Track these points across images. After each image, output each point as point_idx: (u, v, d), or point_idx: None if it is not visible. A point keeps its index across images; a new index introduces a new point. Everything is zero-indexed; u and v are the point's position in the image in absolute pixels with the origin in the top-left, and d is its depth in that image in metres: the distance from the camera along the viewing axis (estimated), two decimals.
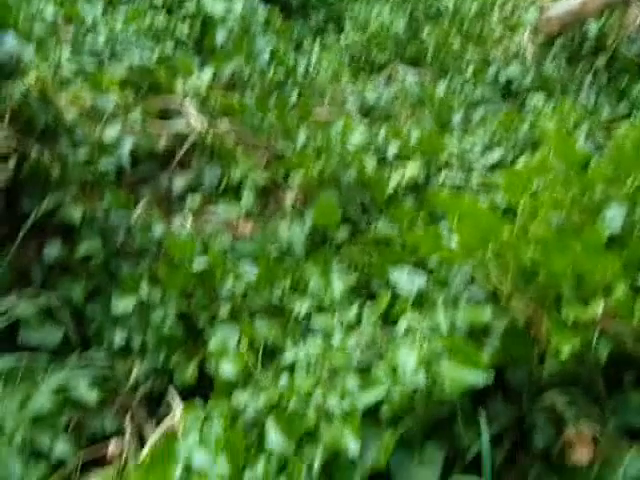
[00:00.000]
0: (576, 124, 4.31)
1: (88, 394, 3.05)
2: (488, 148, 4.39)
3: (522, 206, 2.69)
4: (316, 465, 2.43)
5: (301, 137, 4.21)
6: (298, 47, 5.81)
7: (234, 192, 4.16)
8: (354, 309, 3.00)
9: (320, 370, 2.71)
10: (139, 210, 3.91)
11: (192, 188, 4.26)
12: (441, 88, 5.27)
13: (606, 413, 2.73)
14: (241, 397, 2.79)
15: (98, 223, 3.71)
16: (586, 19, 5.45)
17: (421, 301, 2.96)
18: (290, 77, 4.84)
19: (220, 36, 5.03)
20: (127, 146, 4.05)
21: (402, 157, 4.22)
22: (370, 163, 4.00)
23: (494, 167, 4.20)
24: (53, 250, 3.58)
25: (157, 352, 3.31)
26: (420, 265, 3.39)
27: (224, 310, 3.30)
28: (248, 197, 4.01)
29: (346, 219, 3.82)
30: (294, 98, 4.75)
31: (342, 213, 3.77)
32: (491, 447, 2.70)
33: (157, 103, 4.59)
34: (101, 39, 4.88)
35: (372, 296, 3.25)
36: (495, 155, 4.26)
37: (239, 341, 3.04)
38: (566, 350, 2.36)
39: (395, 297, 3.04)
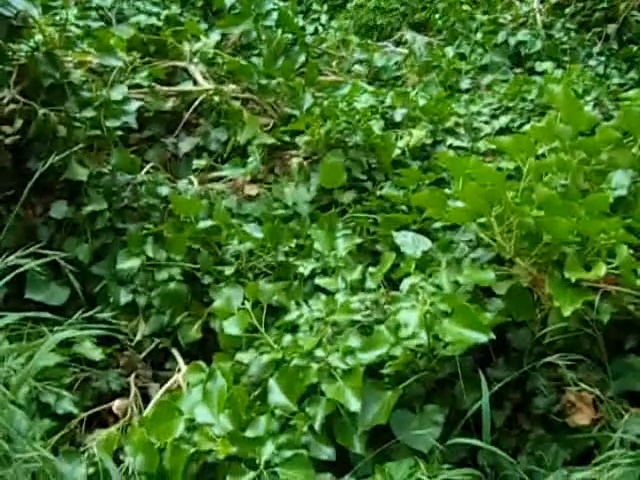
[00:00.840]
0: (585, 91, 4.28)
1: (93, 352, 3.08)
2: (496, 113, 4.37)
3: (527, 168, 2.67)
4: (318, 421, 2.46)
5: (308, 100, 4.19)
6: (307, 11, 5.75)
7: (240, 154, 4.16)
8: (358, 270, 3.01)
9: (323, 329, 2.73)
10: (145, 171, 3.92)
11: (198, 150, 4.26)
12: (449, 53, 5.22)
13: (607, 377, 2.75)
14: (245, 356, 2.82)
15: (104, 183, 3.73)
16: None
17: (425, 263, 2.97)
18: (298, 40, 4.80)
19: None
20: (134, 107, 4.04)
21: (409, 121, 4.19)
22: (377, 127, 3.98)
23: (502, 132, 4.18)
24: (60, 209, 3.61)
25: (162, 311, 3.34)
26: (425, 228, 3.40)
27: (229, 270, 3.32)
28: (254, 159, 4.01)
29: (352, 182, 3.81)
30: (302, 61, 4.71)
31: (348, 176, 3.77)
32: (492, 410, 2.73)
33: (164, 65, 4.57)
34: (108, 0, 4.85)
35: (377, 258, 3.27)
36: (503, 120, 4.24)
37: (243, 301, 3.05)
38: (568, 310, 2.36)
39: (399, 259, 3.05)
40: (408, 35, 5.58)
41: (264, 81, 4.38)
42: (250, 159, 4.03)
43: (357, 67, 4.96)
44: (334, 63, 5.02)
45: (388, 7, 5.99)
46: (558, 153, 2.90)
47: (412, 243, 3.13)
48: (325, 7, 5.97)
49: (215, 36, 4.73)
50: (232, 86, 4.47)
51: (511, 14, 5.60)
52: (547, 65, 5.06)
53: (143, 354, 3.33)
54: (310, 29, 5.11)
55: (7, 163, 3.73)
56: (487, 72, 5.13)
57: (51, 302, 3.34)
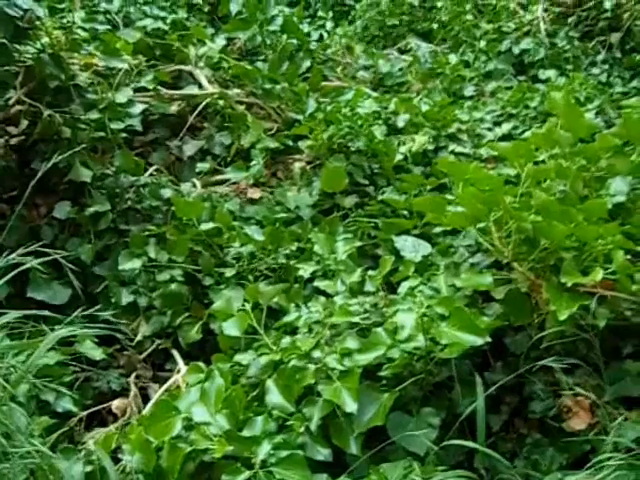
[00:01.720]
0: (588, 99, 4.30)
1: (94, 351, 3.10)
2: (498, 120, 4.39)
3: (525, 173, 2.69)
4: (314, 422, 2.47)
5: (311, 105, 4.22)
6: (313, 17, 5.79)
7: (244, 158, 4.19)
8: (357, 273, 3.03)
9: (321, 331, 2.75)
10: (148, 174, 3.95)
11: (202, 153, 4.29)
12: (453, 60, 5.25)
13: (604, 382, 2.75)
14: (244, 357, 2.83)
15: (108, 184, 3.76)
16: None
17: (424, 267, 2.99)
18: (303, 46, 4.84)
19: (234, 4, 5.03)
20: (138, 110, 4.08)
21: (412, 127, 4.22)
22: (379, 132, 4.00)
23: (504, 139, 4.19)
24: (63, 210, 3.65)
25: (163, 312, 3.36)
26: (426, 233, 3.42)
27: (230, 272, 3.34)
28: (257, 163, 4.04)
29: (354, 187, 3.83)
30: (306, 67, 4.75)
31: (350, 181, 3.79)
32: (489, 414, 2.74)
33: (170, 68, 4.60)
34: (115, 4, 4.89)
35: (378, 262, 3.28)
36: (505, 127, 4.26)
37: (243, 302, 3.07)
38: (564, 314, 2.37)
39: (399, 263, 3.07)
40: (413, 43, 5.61)
41: (268, 86, 4.42)
42: (253, 163, 4.06)
43: (361, 73, 4.99)
44: (339, 69, 5.05)
45: (393, 15, 6.02)
46: (558, 159, 2.92)
47: (412, 247, 3.15)
48: (331, 14, 6.01)
49: (221, 41, 4.77)
50: (237, 90, 4.51)
51: (515, 23, 5.63)
52: (550, 73, 5.08)
53: (143, 354, 3.36)
54: (315, 35, 5.14)
55: (12, 163, 3.76)
56: (491, 79, 5.15)
57: (53, 302, 3.36)
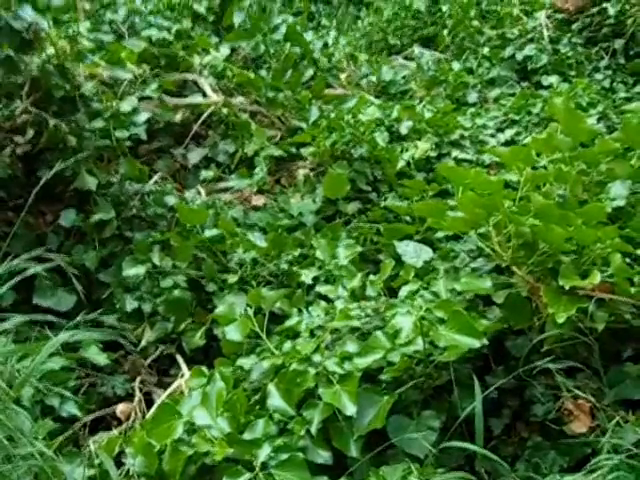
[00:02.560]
0: (590, 104, 4.31)
1: (98, 357, 3.14)
2: (501, 126, 4.41)
3: (524, 178, 2.71)
4: (314, 425, 2.49)
5: (314, 113, 4.26)
6: (317, 26, 5.84)
7: (248, 165, 4.22)
8: (358, 278, 3.05)
9: (322, 335, 2.77)
10: (153, 181, 3.99)
11: (207, 161, 4.33)
12: (457, 67, 5.28)
13: (604, 385, 2.76)
14: (246, 361, 2.86)
15: (113, 192, 3.80)
16: (602, 2, 5.43)
17: (425, 272, 3.00)
18: (306, 55, 4.88)
19: (238, 14, 5.09)
20: (143, 118, 4.12)
21: (415, 134, 4.24)
22: (382, 139, 4.03)
23: (507, 145, 4.21)
24: (69, 217, 3.69)
25: (167, 318, 3.39)
26: (428, 238, 3.44)
27: (233, 278, 3.37)
28: (261, 170, 4.07)
29: (357, 193, 3.86)
30: (309, 75, 4.79)
31: (353, 187, 3.82)
32: (490, 417, 2.75)
33: (174, 77, 4.65)
34: (121, 14, 4.95)
35: (379, 267, 3.30)
36: (508, 133, 4.27)
37: (246, 308, 3.10)
38: (562, 317, 2.39)
39: (400, 267, 3.09)
40: (416, 50, 5.65)
41: (272, 94, 4.46)
42: (257, 170, 4.10)
43: (365, 81, 5.03)
44: (342, 77, 5.09)
45: (397, 22, 6.06)
46: (558, 164, 2.94)
47: (413, 253, 3.17)
48: (334, 22, 6.07)
49: (225, 50, 4.81)
50: (241, 99, 4.55)
51: (518, 29, 5.66)
52: (553, 79, 5.11)
53: (148, 360, 3.39)
54: (319, 44, 5.18)
55: (18, 172, 3.81)
56: (494, 86, 5.18)
57: (58, 308, 3.40)
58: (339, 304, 2.92)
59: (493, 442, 2.73)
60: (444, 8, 6.25)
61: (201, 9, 5.13)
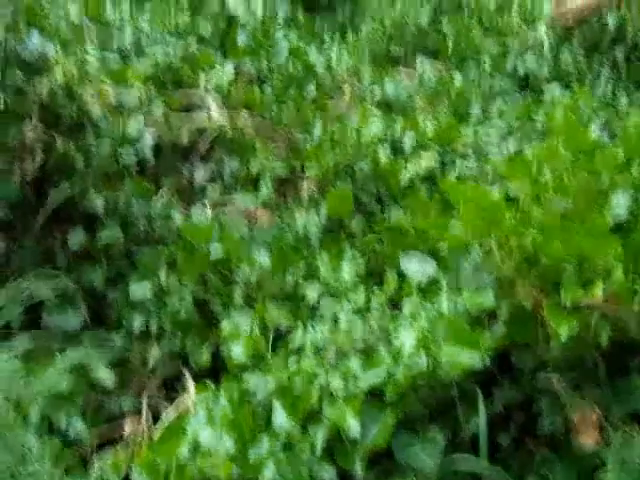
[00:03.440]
0: (592, 114, 4.31)
1: (105, 375, 3.16)
2: (505, 138, 4.41)
3: (525, 192, 2.72)
4: (319, 444, 2.50)
5: (317, 129, 4.29)
6: (320, 42, 5.88)
7: (253, 183, 4.25)
8: (362, 293, 3.06)
9: (326, 353, 2.78)
10: (160, 200, 4.02)
11: (212, 179, 4.36)
12: (460, 80, 5.30)
13: (612, 398, 2.75)
14: (251, 379, 2.87)
15: (120, 212, 3.84)
16: (603, 11, 5.44)
17: (428, 285, 3.01)
18: (310, 72, 4.93)
19: (242, 34, 5.15)
20: (149, 139, 4.17)
21: (418, 148, 4.25)
22: (385, 154, 4.05)
23: (510, 157, 4.20)
24: (77, 237, 3.72)
25: (174, 336, 3.41)
26: (432, 253, 3.44)
27: (238, 295, 3.39)
28: (266, 187, 4.10)
29: (361, 209, 3.88)
30: (312, 92, 4.82)
31: (357, 203, 3.84)
32: (498, 431, 2.75)
33: (180, 97, 4.70)
34: (127, 36, 5.01)
35: (383, 283, 3.31)
36: (511, 146, 4.27)
37: (252, 325, 3.12)
38: (564, 332, 2.39)
39: (403, 283, 3.10)
40: (418, 62, 5.67)
41: (276, 110, 4.49)
42: (262, 187, 4.12)
43: (368, 95, 5.05)
44: (346, 90, 5.12)
45: (401, 35, 6.09)
46: (559, 175, 2.94)
47: (417, 266, 3.18)
48: (337, 36, 6.11)
49: (229, 67, 4.85)
50: (245, 115, 4.58)
51: (520, 39, 5.68)
52: (555, 89, 5.11)
53: (155, 377, 3.41)
54: (322, 59, 5.22)
55: (28, 192, 3.87)
56: (496, 97, 5.19)
57: (67, 327, 3.43)
58: (343, 319, 2.94)
59: (501, 455, 2.73)
60: (446, 19, 6.29)
61: (206, 31, 5.20)
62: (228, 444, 2.52)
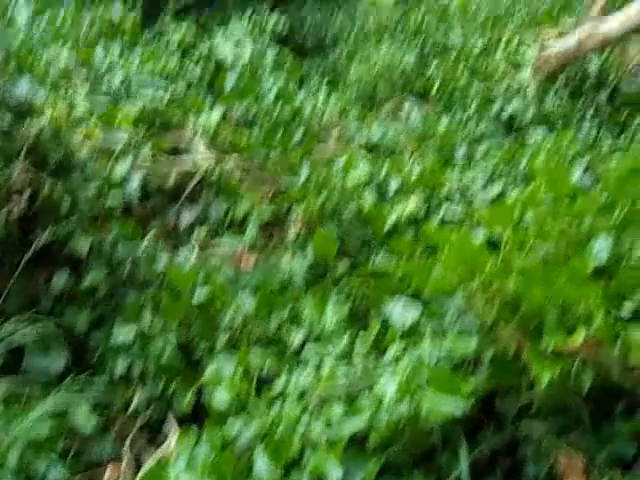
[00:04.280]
0: (575, 157, 4.37)
1: (86, 420, 3.12)
2: (489, 182, 4.46)
3: (506, 238, 2.74)
4: None
5: (304, 173, 4.33)
6: (308, 85, 5.97)
7: (239, 226, 4.27)
8: (345, 339, 3.06)
9: (309, 399, 2.76)
10: (146, 242, 4.03)
11: (199, 222, 4.38)
12: (445, 123, 5.37)
13: (596, 444, 2.74)
14: (233, 425, 2.84)
15: (105, 254, 3.83)
16: (586, 56, 5.56)
17: (412, 331, 3.01)
18: (296, 115, 4.99)
19: (230, 78, 5.22)
20: (136, 181, 4.20)
21: (403, 192, 4.29)
22: (370, 198, 4.09)
23: (494, 201, 4.25)
24: (61, 279, 3.70)
25: (157, 380, 3.38)
26: (416, 297, 3.44)
27: (222, 340, 3.38)
28: (252, 231, 4.12)
29: (346, 252, 3.89)
30: (299, 135, 4.88)
31: (342, 247, 3.86)
32: (483, 477, 2.73)
33: (167, 140, 4.74)
34: (117, 79, 5.07)
35: (367, 327, 3.31)
36: (495, 189, 4.32)
37: (235, 370, 3.10)
38: (545, 378, 2.39)
39: (387, 327, 3.09)
40: (406, 105, 5.76)
41: (264, 153, 4.54)
42: (248, 230, 4.14)
43: (355, 137, 5.11)
44: (333, 133, 5.18)
45: (388, 79, 6.18)
46: (540, 221, 2.97)
47: (401, 312, 3.18)
48: (326, 79, 6.21)
49: (218, 111, 4.91)
50: (233, 158, 4.62)
51: (506, 83, 5.78)
52: (540, 132, 5.20)
53: (138, 420, 3.37)
54: (310, 102, 5.29)
55: (14, 232, 3.86)
56: (482, 140, 5.26)
57: (49, 370, 3.39)
58: (327, 364, 2.93)
59: None
60: (434, 62, 6.41)
61: (195, 75, 5.28)
62: None
